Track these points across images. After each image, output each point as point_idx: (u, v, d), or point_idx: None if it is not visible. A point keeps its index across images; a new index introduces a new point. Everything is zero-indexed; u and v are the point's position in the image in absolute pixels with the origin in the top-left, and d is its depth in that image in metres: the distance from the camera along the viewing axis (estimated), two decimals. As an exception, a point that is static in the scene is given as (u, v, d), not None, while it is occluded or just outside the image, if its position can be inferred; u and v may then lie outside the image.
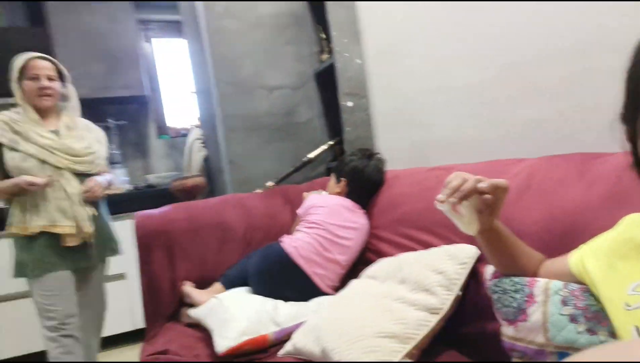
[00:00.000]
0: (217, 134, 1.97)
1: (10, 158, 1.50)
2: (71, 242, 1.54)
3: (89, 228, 1.56)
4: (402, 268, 1.06)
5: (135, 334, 2.36)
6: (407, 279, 1.02)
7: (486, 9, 1.22)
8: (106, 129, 2.86)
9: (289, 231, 1.52)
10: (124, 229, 2.34)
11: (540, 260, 0.78)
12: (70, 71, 2.59)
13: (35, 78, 1.56)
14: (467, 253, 0.97)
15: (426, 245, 1.14)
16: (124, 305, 2.35)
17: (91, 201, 1.59)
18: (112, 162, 2.82)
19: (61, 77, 1.65)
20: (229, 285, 1.40)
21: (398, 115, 1.69)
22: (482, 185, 0.69)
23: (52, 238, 1.54)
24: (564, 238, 0.81)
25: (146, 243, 1.46)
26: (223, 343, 1.08)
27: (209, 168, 2.29)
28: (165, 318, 1.44)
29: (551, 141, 1.11)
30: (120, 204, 2.40)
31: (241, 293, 1.33)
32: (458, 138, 1.40)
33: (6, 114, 1.56)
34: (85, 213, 1.57)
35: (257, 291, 1.32)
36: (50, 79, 1.59)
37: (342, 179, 1.50)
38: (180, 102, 3.24)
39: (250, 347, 1.10)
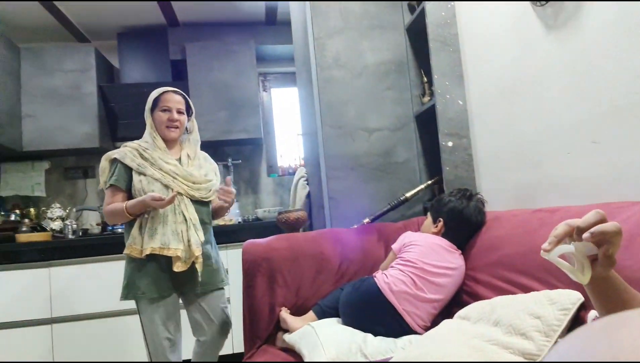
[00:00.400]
0: (320, 172, 2.11)
1: (137, 181, 1.60)
2: (181, 267, 1.58)
3: (198, 251, 1.60)
4: (495, 310, 1.02)
5: (233, 357, 2.52)
6: (501, 321, 0.97)
7: (598, 46, 1.17)
8: (225, 167, 3.25)
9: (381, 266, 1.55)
10: (233, 257, 2.59)
11: None
12: (201, 118, 3.03)
13: (167, 110, 1.68)
14: (570, 298, 0.90)
15: (526, 290, 1.08)
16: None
17: (223, 201, 1.67)
18: (228, 196, 3.16)
19: (188, 111, 1.77)
20: (321, 314, 1.45)
21: (502, 155, 1.65)
22: (586, 235, 0.62)
23: (164, 262, 1.60)
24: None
25: (251, 268, 1.61)
26: (313, 367, 1.13)
27: (311, 204, 2.43)
28: (262, 341, 1.54)
29: (677, 183, 0.99)
30: (230, 234, 2.66)
31: (333, 323, 1.37)
32: (566, 179, 1.32)
33: (136, 143, 1.69)
34: (198, 238, 1.62)
35: (347, 322, 1.35)
36: (179, 112, 1.70)
37: (440, 219, 1.49)
38: (289, 144, 3.53)
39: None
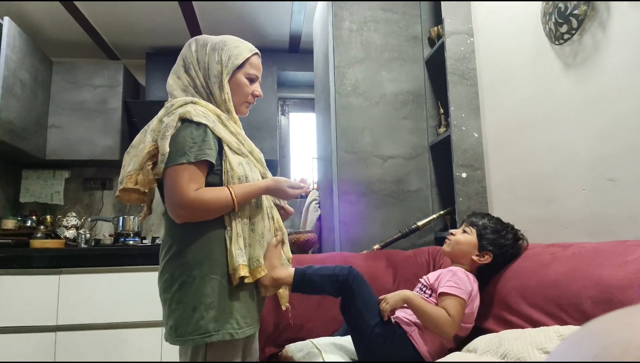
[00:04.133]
0: (332, 196, 2.12)
1: (237, 163, 1.09)
2: (269, 291, 1.15)
3: (282, 273, 1.14)
4: (503, 343, 1.00)
5: None
6: (508, 354, 0.95)
7: (616, 85, 1.19)
8: (239, 187, 3.28)
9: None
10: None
11: None
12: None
13: (253, 80, 1.22)
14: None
15: (536, 324, 1.05)
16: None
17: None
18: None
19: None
20: (298, 289, 1.23)
21: (516, 189, 1.64)
22: None
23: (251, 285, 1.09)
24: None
25: (258, 286, 1.61)
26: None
27: (322, 227, 2.43)
28: (263, 360, 1.52)
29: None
30: (241, 253, 2.67)
31: (345, 347, 1.28)
32: (581, 215, 1.31)
33: (210, 107, 1.13)
34: (286, 252, 1.20)
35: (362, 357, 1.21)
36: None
37: (490, 253, 1.30)
38: (303, 167, 3.57)
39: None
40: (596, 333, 0.24)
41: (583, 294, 0.96)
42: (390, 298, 1.20)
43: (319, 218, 2.46)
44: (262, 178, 1.17)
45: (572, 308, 0.97)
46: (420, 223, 1.89)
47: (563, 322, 0.97)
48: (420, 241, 1.99)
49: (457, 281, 1.21)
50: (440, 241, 1.98)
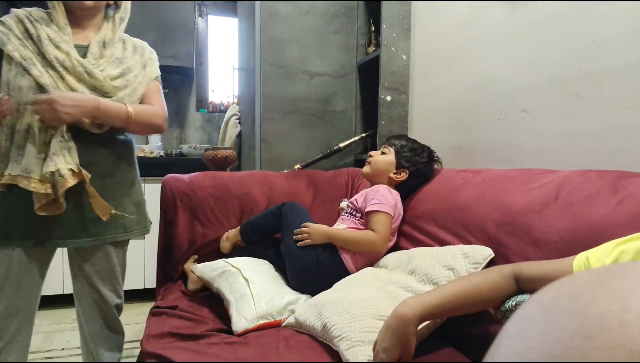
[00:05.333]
0: (254, 112, 2.01)
1: (5, 69, 1.08)
2: (43, 210, 1.09)
3: (65, 184, 1.08)
4: (412, 260, 1.06)
5: (147, 292, 2.44)
6: (416, 271, 1.01)
7: (545, 19, 1.19)
8: (150, 95, 2.97)
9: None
10: (151, 191, 2.43)
11: (509, 276, 0.74)
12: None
13: None
14: (482, 254, 0.96)
15: (443, 244, 1.13)
16: (139, 264, 2.44)
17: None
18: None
19: None
20: (245, 236, 1.40)
21: (437, 116, 1.67)
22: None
23: (24, 198, 1.09)
24: (583, 251, 0.79)
25: (171, 203, 1.51)
26: (241, 323, 1.04)
27: (242, 144, 2.33)
28: (177, 278, 1.48)
29: (589, 157, 1.07)
30: (150, 168, 2.49)
31: (261, 267, 1.27)
32: (494, 144, 1.38)
33: (28, 11, 1.12)
34: (72, 162, 1.10)
35: (295, 286, 1.23)
36: None
37: (406, 171, 1.34)
38: (222, 78, 3.32)
39: (263, 327, 1.07)
40: (575, 300, 0.18)
41: (488, 217, 1.02)
42: (314, 232, 1.24)
43: (239, 135, 2.34)
44: (43, 89, 1.09)
45: (477, 230, 1.04)
46: (342, 145, 1.88)
47: (468, 242, 1.04)
48: (341, 163, 2.00)
49: (380, 198, 1.24)
50: (360, 163, 2.01)
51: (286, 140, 1.93)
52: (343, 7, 2.01)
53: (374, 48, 1.94)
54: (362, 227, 1.27)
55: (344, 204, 1.63)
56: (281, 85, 1.94)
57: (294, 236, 1.25)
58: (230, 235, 1.45)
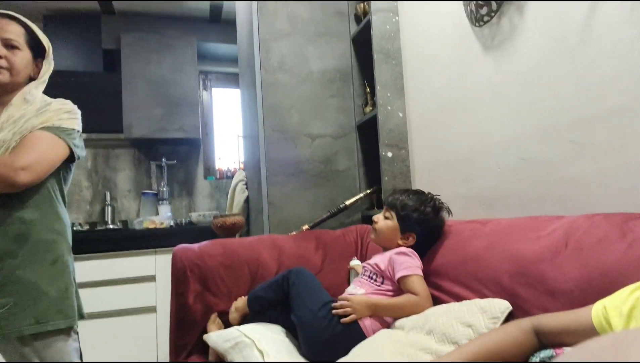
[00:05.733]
0: (259, 177, 2.05)
1: None
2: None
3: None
4: (429, 319, 1.03)
5: (160, 369, 2.37)
6: (434, 330, 0.98)
7: (530, 68, 1.25)
8: (159, 167, 3.07)
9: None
10: (162, 263, 2.44)
11: (529, 330, 0.73)
12: (134, 113, 2.84)
13: None
14: (500, 307, 0.94)
15: (458, 298, 1.11)
16: (151, 337, 2.39)
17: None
18: (160, 198, 2.99)
19: (35, 48, 1.25)
20: (253, 307, 1.35)
21: (438, 169, 1.70)
22: None
23: None
24: (599, 298, 0.77)
25: (182, 274, 1.51)
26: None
27: (249, 209, 2.36)
28: (189, 351, 1.45)
29: (593, 200, 1.07)
30: (161, 238, 2.51)
31: (276, 336, 1.24)
32: (498, 194, 1.39)
33: None
34: None
35: (309, 356, 1.17)
36: (9, 45, 1.18)
37: (413, 234, 1.29)
38: (228, 146, 3.43)
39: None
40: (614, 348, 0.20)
41: (500, 268, 1.01)
42: (357, 305, 1.16)
43: (246, 200, 2.38)
44: None
45: (491, 282, 1.02)
46: (348, 203, 1.90)
47: (484, 296, 1.02)
48: (348, 220, 2.01)
49: (409, 261, 1.21)
50: (367, 219, 2.02)
51: (292, 202, 1.96)
52: (338, 72, 2.12)
53: (370, 108, 2.02)
54: (385, 292, 1.24)
55: (354, 262, 1.62)
56: (284, 149, 2.00)
57: (334, 311, 1.17)
58: (239, 306, 1.41)
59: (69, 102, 1.31)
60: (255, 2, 2.04)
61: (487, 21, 1.39)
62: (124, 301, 2.38)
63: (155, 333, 2.40)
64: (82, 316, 1.23)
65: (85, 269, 2.34)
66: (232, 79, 3.46)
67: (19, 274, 1.10)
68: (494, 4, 1.35)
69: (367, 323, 1.17)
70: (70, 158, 1.25)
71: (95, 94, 2.90)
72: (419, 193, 1.35)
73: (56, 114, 1.22)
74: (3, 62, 1.17)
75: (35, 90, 1.25)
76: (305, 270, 1.33)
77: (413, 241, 1.30)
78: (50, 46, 1.30)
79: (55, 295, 1.14)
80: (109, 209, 2.95)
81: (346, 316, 1.16)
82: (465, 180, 1.53)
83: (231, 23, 2.91)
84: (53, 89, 2.89)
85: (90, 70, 2.94)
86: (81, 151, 1.30)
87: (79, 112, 1.32)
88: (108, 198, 2.98)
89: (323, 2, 2.13)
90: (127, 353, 2.34)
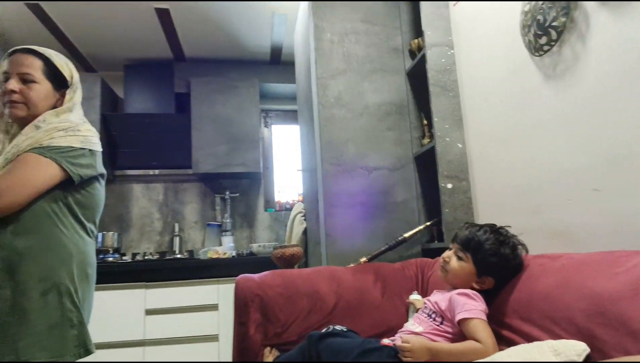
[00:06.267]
0: (318, 209, 2.10)
1: None
2: None
3: None
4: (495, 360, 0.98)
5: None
6: (502, 372, 0.93)
7: (597, 96, 1.20)
8: (223, 200, 3.23)
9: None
10: (224, 292, 2.53)
11: None
12: (201, 150, 3.05)
13: (6, 79, 1.19)
14: (576, 349, 0.87)
15: (528, 338, 1.04)
16: (215, 367, 2.45)
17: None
18: (224, 230, 3.13)
19: (58, 79, 1.24)
20: None
21: (502, 200, 1.65)
22: None
23: None
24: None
25: (243, 304, 1.56)
26: None
27: (308, 240, 2.40)
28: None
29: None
30: (223, 268, 2.62)
31: None
32: (567, 226, 1.31)
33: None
34: None
35: None
36: (26, 80, 1.18)
37: (489, 277, 1.21)
38: (287, 179, 3.54)
39: None
40: None
41: (575, 307, 0.95)
42: (417, 349, 1.10)
43: (305, 231, 2.42)
44: None
45: (565, 322, 0.96)
46: (407, 235, 1.88)
47: (557, 336, 0.96)
48: (407, 253, 1.98)
49: (474, 304, 1.15)
50: (427, 252, 1.97)
51: (350, 234, 1.97)
52: (394, 106, 2.15)
53: (428, 140, 2.01)
54: (444, 334, 1.19)
55: (414, 297, 1.58)
56: (342, 181, 2.03)
57: (395, 343, 1.14)
58: None
59: (73, 120, 1.22)
60: (313, 42, 2.16)
61: (547, 50, 1.36)
62: (188, 328, 2.48)
63: (217, 361, 2.46)
64: (88, 351, 1.12)
65: (154, 296, 2.48)
66: (291, 116, 3.61)
67: (5, 306, 1.03)
68: (553, 33, 1.32)
69: None
70: (72, 178, 1.15)
71: (167, 133, 3.17)
72: (495, 231, 1.23)
73: (47, 134, 1.15)
74: (17, 97, 1.17)
75: (54, 117, 1.20)
76: (333, 338, 1.25)
77: (490, 286, 1.22)
78: (75, 73, 1.29)
79: (42, 329, 1.04)
80: (176, 240, 3.13)
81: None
82: (533, 212, 1.47)
83: (290, 64, 3.08)
84: (129, 130, 3.18)
85: (164, 112, 3.21)
86: (87, 170, 1.19)
87: (84, 129, 1.22)
88: (177, 229, 3.17)
89: (377, 40, 2.20)
90: (191, 381, 2.41)
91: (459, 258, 1.24)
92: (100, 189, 1.29)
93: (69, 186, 1.16)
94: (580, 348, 0.88)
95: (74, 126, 1.20)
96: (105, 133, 3.07)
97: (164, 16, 2.77)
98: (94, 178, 1.24)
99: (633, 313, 0.81)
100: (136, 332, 2.43)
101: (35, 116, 1.19)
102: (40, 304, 1.06)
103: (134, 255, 3.05)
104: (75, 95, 1.29)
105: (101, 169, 1.29)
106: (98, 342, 2.33)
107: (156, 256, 3.02)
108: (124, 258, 2.91)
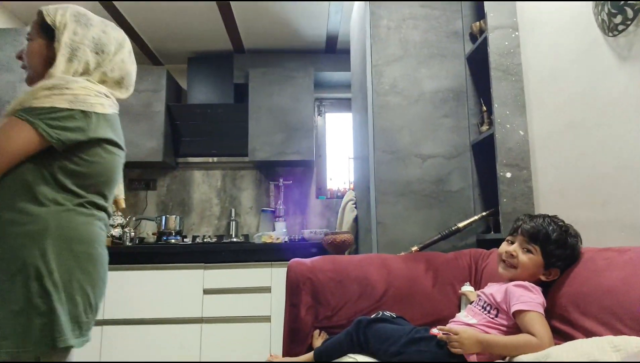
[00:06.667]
0: (369, 197, 2.09)
1: None
2: None
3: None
4: (550, 355, 0.94)
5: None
6: (557, 366, 0.89)
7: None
8: (277, 187, 3.32)
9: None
10: (277, 275, 2.61)
11: None
12: (258, 139, 3.15)
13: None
14: (637, 345, 0.81)
15: (588, 333, 0.99)
16: (265, 345, 2.54)
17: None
18: (277, 216, 3.22)
19: (50, 31, 1.09)
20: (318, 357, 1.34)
21: (567, 191, 1.55)
22: None
23: None
24: None
25: (295, 286, 1.61)
26: None
27: (358, 228, 2.41)
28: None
29: None
30: (276, 252, 2.70)
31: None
32: (638, 219, 1.21)
33: None
34: None
35: None
36: (28, 41, 1.13)
37: (557, 269, 1.19)
38: (339, 167, 3.56)
39: None
40: None
41: (642, 303, 0.88)
42: (466, 340, 1.08)
43: (356, 219, 2.43)
44: None
45: (628, 318, 0.90)
46: (461, 225, 1.83)
47: (618, 332, 0.90)
48: (461, 244, 1.92)
49: (531, 296, 1.12)
50: (482, 243, 1.91)
51: (402, 222, 1.95)
52: (451, 92, 2.08)
53: (487, 127, 1.93)
54: (499, 326, 1.15)
55: (466, 288, 1.54)
56: (394, 169, 2.01)
57: (440, 335, 1.13)
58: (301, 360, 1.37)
59: (66, 77, 1.05)
60: (369, 29, 2.14)
61: (623, 30, 1.25)
62: (243, 308, 2.60)
63: (269, 340, 2.56)
64: (57, 343, 0.96)
65: (212, 277, 2.62)
66: (344, 104, 3.61)
67: None
68: (629, 10, 1.21)
69: (473, 358, 1.11)
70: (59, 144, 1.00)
71: (226, 123, 3.30)
72: (558, 223, 1.21)
73: (31, 94, 1.01)
74: (21, 61, 1.13)
75: (54, 70, 1.05)
76: (378, 322, 1.28)
77: (556, 277, 1.19)
78: (63, 17, 1.09)
79: (5, 314, 0.93)
80: (233, 224, 3.27)
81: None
82: (602, 204, 1.37)
83: (345, 52, 3.07)
84: (192, 119, 3.34)
85: (224, 102, 3.34)
86: (73, 134, 1.01)
87: (76, 87, 1.03)
88: (233, 214, 3.31)
89: (436, 24, 2.13)
90: (243, 356, 2.53)
91: (528, 251, 1.20)
92: (105, 156, 1.09)
93: (56, 152, 1.01)
94: (644, 346, 0.82)
95: (62, 84, 1.02)
96: (169, 123, 3.26)
97: (224, 9, 2.87)
98: (93, 143, 1.05)
99: None
100: (195, 310, 2.58)
101: (39, 75, 1.09)
102: (6, 287, 0.94)
103: (194, 237, 3.23)
104: (61, 43, 1.07)
105: (105, 133, 1.08)
106: (158, 317, 2.53)
107: (214, 239, 3.17)
108: (185, 240, 3.09)
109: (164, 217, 3.07)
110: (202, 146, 3.37)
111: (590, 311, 1.02)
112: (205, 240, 3.12)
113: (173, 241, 2.94)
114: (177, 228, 3.09)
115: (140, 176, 3.45)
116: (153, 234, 3.15)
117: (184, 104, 3.48)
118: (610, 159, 1.33)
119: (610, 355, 0.83)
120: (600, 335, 0.93)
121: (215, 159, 3.39)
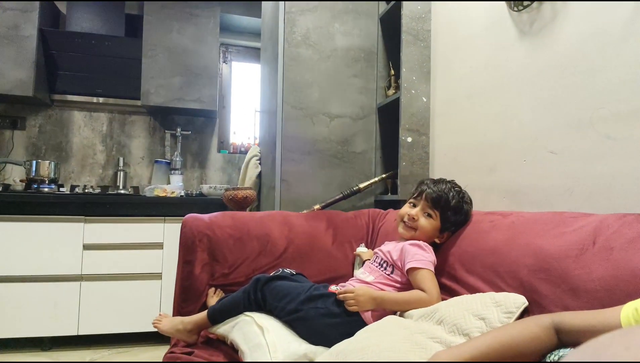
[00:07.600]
0: (274, 153, 2.02)
1: None
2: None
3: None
4: (438, 309, 1.00)
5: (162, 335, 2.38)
6: (444, 320, 0.95)
7: (570, 58, 1.18)
8: (173, 137, 3.06)
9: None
10: (170, 231, 2.44)
11: (549, 327, 0.69)
12: (152, 80, 2.82)
13: None
14: (515, 302, 0.90)
15: (472, 290, 1.07)
16: (155, 304, 2.40)
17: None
18: (172, 168, 2.98)
19: None
20: (213, 319, 1.25)
21: (459, 157, 1.65)
22: None
23: None
24: (626, 301, 0.73)
25: (190, 243, 1.50)
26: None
27: (261, 184, 2.34)
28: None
29: (624, 200, 1.02)
30: (171, 207, 2.51)
31: (273, 320, 1.17)
32: (521, 186, 1.34)
33: None
34: None
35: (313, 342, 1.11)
36: None
37: (448, 233, 1.27)
38: (244, 121, 3.40)
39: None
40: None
41: (520, 262, 0.97)
42: (361, 297, 1.10)
43: (259, 175, 2.35)
44: None
45: (509, 276, 0.98)
46: (362, 185, 1.86)
47: (500, 289, 0.99)
48: (360, 203, 1.98)
49: (425, 255, 1.18)
50: (380, 204, 1.98)
51: (306, 180, 1.93)
52: (363, 51, 2.06)
53: (393, 91, 1.96)
54: (394, 283, 1.20)
55: (360, 249, 1.58)
56: (301, 126, 1.96)
57: (339, 296, 1.13)
58: (194, 319, 1.27)
59: None
60: (284, -28, 1.98)
61: (527, 6, 1.32)
62: (131, 265, 2.40)
63: (159, 299, 2.42)
64: None
65: (94, 231, 2.35)
66: (252, 54, 3.41)
67: None
68: (536, -14, 1.27)
69: (368, 314, 1.14)
70: None
71: (115, 59, 2.89)
72: (457, 189, 1.27)
73: None
74: None
75: None
76: (278, 280, 1.24)
77: (447, 239, 1.26)
78: None
79: None
80: (121, 175, 2.95)
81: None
82: (489, 170, 1.48)
83: (256, -5, 2.85)
84: (72, 50, 2.87)
85: (112, 34, 2.91)
86: None
87: None
88: (121, 163, 2.98)
89: (353, -22, 2.06)
90: (129, 317, 2.36)
91: (429, 216, 1.25)
92: None
93: None
94: (519, 301, 0.91)
95: None
96: (44, 52, 2.75)
97: None
98: None
99: (576, 271, 0.84)
100: (73, 267, 2.31)
101: None
102: None
103: (73, 187, 2.85)
104: None
105: None
106: (31, 275, 2.22)
107: (97, 190, 2.84)
108: (61, 189, 2.71)
109: (34, 162, 2.64)
110: (84, 83, 2.91)
111: (475, 269, 1.10)
112: (86, 191, 2.77)
113: (46, 189, 2.56)
114: (52, 176, 2.69)
115: (4, 111, 2.89)
116: (21, 181, 2.70)
117: (62, 30, 2.95)
118: (499, 128, 1.44)
119: (492, 310, 0.90)
120: (483, 291, 1.01)
121: (100, 99, 2.97)
